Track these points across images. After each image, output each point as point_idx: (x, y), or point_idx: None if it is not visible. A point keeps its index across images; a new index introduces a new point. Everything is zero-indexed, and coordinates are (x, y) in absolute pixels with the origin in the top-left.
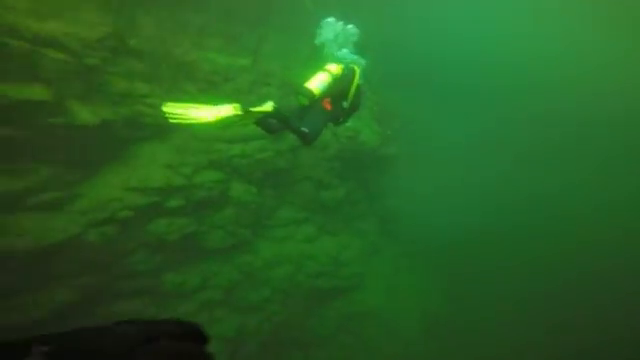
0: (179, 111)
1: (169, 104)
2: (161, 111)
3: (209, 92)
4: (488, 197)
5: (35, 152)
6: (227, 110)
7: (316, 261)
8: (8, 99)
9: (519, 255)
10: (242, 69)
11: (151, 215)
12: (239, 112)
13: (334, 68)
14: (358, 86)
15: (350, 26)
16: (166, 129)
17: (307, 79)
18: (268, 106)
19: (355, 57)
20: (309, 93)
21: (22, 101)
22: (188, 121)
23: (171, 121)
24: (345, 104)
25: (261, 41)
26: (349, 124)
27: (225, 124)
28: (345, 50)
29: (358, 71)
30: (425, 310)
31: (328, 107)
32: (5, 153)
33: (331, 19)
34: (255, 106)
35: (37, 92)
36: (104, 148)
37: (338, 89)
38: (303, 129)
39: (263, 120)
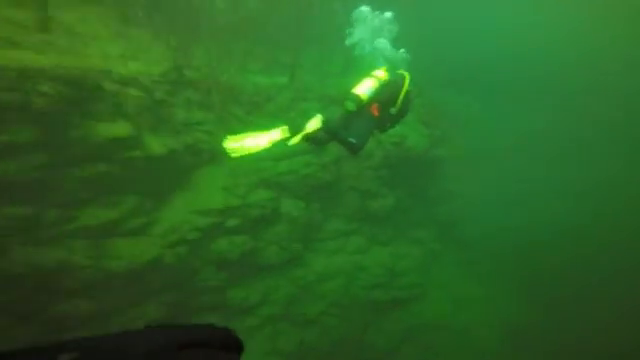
0: (238, 145)
1: (228, 140)
2: (222, 146)
3: (254, 113)
4: (553, 195)
5: (122, 184)
6: (277, 134)
7: (370, 272)
8: (102, 137)
9: (603, 252)
10: (282, 87)
11: (214, 235)
12: (287, 134)
13: (381, 74)
14: (407, 92)
15: (388, 14)
16: (220, 153)
17: (353, 86)
18: (317, 122)
19: (402, 54)
20: (357, 99)
21: (111, 138)
22: (248, 152)
23: (233, 155)
24: (393, 110)
25: (297, 59)
26: (395, 130)
27: (279, 144)
28: (382, 40)
29: (408, 77)
30: (501, 319)
31: (376, 113)
32: (101, 187)
33: (365, 8)
34: (304, 125)
35: (121, 129)
36: (172, 175)
37: (386, 95)
38: (350, 139)
39: (312, 135)
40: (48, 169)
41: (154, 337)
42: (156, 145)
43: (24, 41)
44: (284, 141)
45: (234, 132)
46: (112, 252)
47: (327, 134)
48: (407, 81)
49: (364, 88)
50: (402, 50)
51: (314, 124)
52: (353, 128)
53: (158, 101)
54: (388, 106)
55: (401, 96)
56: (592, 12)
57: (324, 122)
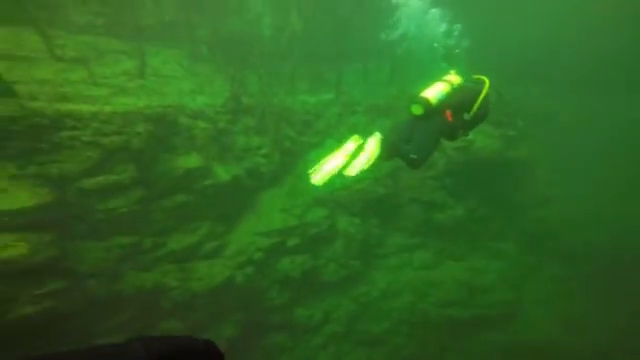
0: (321, 173)
1: (312, 172)
2: (310, 182)
3: (305, 132)
4: None
5: (197, 211)
6: (351, 146)
7: (441, 289)
8: (181, 169)
9: None
10: (329, 103)
11: (277, 255)
12: (360, 141)
13: (453, 78)
14: (485, 97)
15: (434, 10)
16: (277, 175)
17: (421, 90)
18: (377, 145)
19: (457, 52)
20: (425, 102)
21: (187, 169)
22: (332, 174)
23: (321, 184)
24: (467, 116)
25: (340, 73)
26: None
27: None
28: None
29: (488, 83)
30: (614, 338)
31: (449, 119)
32: (182, 215)
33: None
34: (369, 135)
35: (194, 160)
36: (237, 200)
37: (459, 99)
38: (411, 156)
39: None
40: (144, 202)
41: (135, 349)
42: (222, 173)
43: (129, 87)
44: (359, 150)
45: (311, 163)
46: (194, 274)
47: (389, 149)
48: (486, 87)
49: (434, 91)
50: (457, 50)
51: (374, 149)
52: (416, 139)
53: (221, 130)
54: (462, 112)
55: (478, 101)
56: None
57: (382, 141)
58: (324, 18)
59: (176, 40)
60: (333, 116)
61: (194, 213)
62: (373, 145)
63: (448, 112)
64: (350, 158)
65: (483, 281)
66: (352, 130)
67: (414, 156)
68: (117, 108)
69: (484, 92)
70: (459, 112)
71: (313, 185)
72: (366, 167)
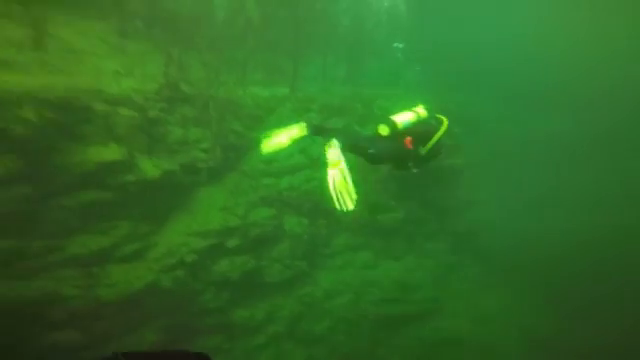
0: (272, 142)
1: (265, 142)
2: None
3: (254, 127)
4: (573, 201)
5: (115, 210)
6: (296, 131)
7: (379, 287)
8: (92, 163)
9: (624, 259)
10: (283, 99)
11: (214, 256)
12: (305, 132)
13: (421, 111)
14: (440, 138)
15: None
16: (219, 172)
17: (391, 114)
18: (301, 129)
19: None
20: (392, 124)
21: (102, 163)
22: (276, 147)
23: (264, 151)
24: (422, 150)
25: (297, 67)
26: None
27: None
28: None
29: (445, 124)
30: (524, 331)
31: (408, 146)
32: (92, 214)
33: None
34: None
35: (112, 152)
36: (168, 197)
37: (421, 131)
38: (370, 151)
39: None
40: (33, 201)
41: None
42: (150, 168)
43: (15, 61)
44: (302, 139)
45: (263, 136)
46: (105, 280)
47: (346, 144)
48: (444, 127)
49: (403, 117)
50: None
51: (298, 131)
52: (378, 144)
53: (152, 120)
54: (419, 144)
55: (433, 139)
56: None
57: (308, 128)
58: (283, 9)
59: (101, 11)
60: (286, 112)
61: (109, 212)
62: (297, 130)
63: (409, 139)
64: (293, 142)
65: (414, 280)
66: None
67: (372, 151)
68: None
69: (441, 131)
70: (417, 143)
71: (261, 154)
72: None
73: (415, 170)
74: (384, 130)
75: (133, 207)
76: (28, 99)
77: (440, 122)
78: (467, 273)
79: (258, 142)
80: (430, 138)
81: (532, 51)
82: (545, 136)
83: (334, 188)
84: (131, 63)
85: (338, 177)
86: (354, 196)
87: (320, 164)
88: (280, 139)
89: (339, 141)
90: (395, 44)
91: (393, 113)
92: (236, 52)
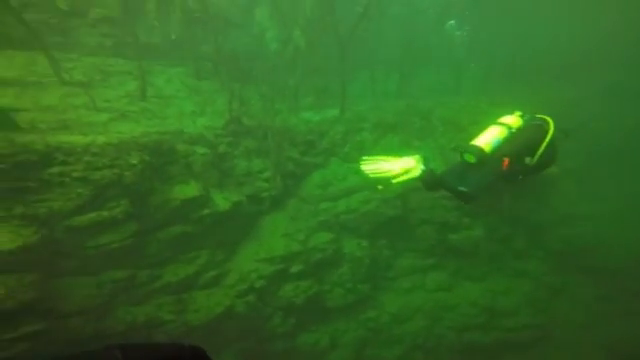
0: (373, 166)
1: (364, 161)
2: (361, 171)
3: (309, 152)
4: None
5: (195, 241)
6: (411, 162)
7: (459, 312)
8: (177, 201)
9: None
10: (333, 121)
11: (280, 282)
12: (422, 163)
13: (511, 120)
14: (551, 140)
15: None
16: (280, 199)
17: (475, 136)
18: (416, 171)
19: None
20: (478, 152)
21: (185, 200)
22: (381, 175)
23: (365, 174)
24: (529, 160)
25: (345, 88)
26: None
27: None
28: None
29: (552, 125)
30: None
31: (506, 166)
32: (180, 246)
33: None
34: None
35: (192, 189)
36: (238, 226)
37: (519, 146)
38: (461, 188)
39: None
40: (138, 235)
41: (113, 356)
42: (221, 201)
43: (129, 111)
44: (416, 169)
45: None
46: (192, 305)
47: (431, 183)
48: (551, 130)
49: (488, 138)
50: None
51: (413, 172)
52: (470, 177)
53: (221, 155)
54: (522, 157)
55: (543, 145)
56: None
57: (423, 173)
58: (327, 34)
59: (182, 58)
60: (338, 134)
61: (191, 243)
62: (414, 168)
63: (506, 160)
64: (401, 173)
65: (504, 303)
66: (359, 148)
67: (464, 189)
68: (111, 138)
69: (549, 136)
70: (519, 158)
71: (360, 169)
72: (399, 182)
73: (529, 178)
74: (471, 158)
75: (210, 238)
76: (134, 146)
77: (543, 124)
78: (578, 297)
79: (313, 167)
80: (537, 146)
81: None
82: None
83: (381, 170)
84: (204, 102)
85: (394, 171)
86: (388, 183)
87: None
88: (390, 167)
89: (423, 170)
90: (449, 22)
91: (476, 135)
92: (288, 80)
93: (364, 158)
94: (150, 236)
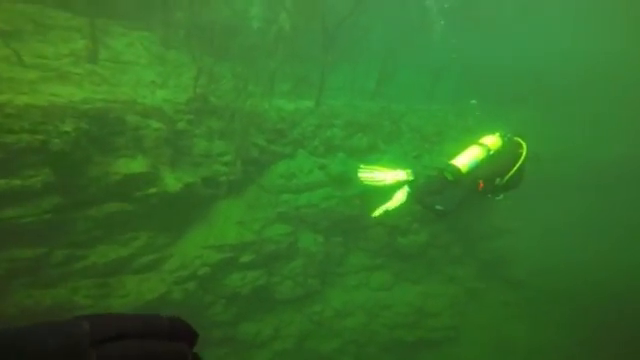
0: (369, 174)
1: (362, 168)
2: (357, 176)
3: (277, 141)
4: (606, 228)
5: (136, 221)
6: (402, 175)
7: (394, 311)
8: (119, 175)
9: None
10: (307, 112)
11: (226, 270)
12: (410, 177)
13: (492, 141)
14: (522, 165)
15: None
16: (238, 185)
17: (456, 153)
18: (403, 195)
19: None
20: (456, 171)
21: (128, 175)
22: (374, 183)
23: (365, 183)
24: (499, 181)
25: (323, 80)
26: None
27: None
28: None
29: (526, 149)
30: None
31: (479, 187)
32: (116, 225)
33: None
34: (421, 174)
35: (139, 164)
36: (188, 210)
37: (493, 169)
38: (437, 207)
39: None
40: (62, 211)
41: (79, 326)
42: (172, 181)
43: (71, 72)
44: (404, 183)
45: (366, 163)
46: (118, 290)
47: (414, 201)
48: (524, 151)
49: (466, 159)
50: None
51: (400, 198)
52: (445, 195)
53: (179, 132)
54: (494, 179)
55: (514, 169)
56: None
57: (409, 194)
58: (314, 21)
59: (149, 22)
60: (310, 127)
61: (130, 223)
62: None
63: (480, 182)
64: (393, 186)
65: (433, 305)
66: (328, 144)
67: (440, 207)
68: (38, 100)
69: (521, 160)
70: (491, 180)
71: (357, 176)
72: (389, 210)
73: (497, 197)
74: (449, 175)
75: (153, 219)
76: (71, 112)
77: (517, 147)
78: (491, 301)
79: (279, 157)
80: (508, 170)
81: (604, 66)
82: (611, 160)
83: (375, 179)
84: (168, 73)
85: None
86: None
87: (345, 183)
88: (383, 177)
89: (411, 189)
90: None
91: (456, 154)
92: (267, 62)
93: (362, 166)
94: (78, 212)
